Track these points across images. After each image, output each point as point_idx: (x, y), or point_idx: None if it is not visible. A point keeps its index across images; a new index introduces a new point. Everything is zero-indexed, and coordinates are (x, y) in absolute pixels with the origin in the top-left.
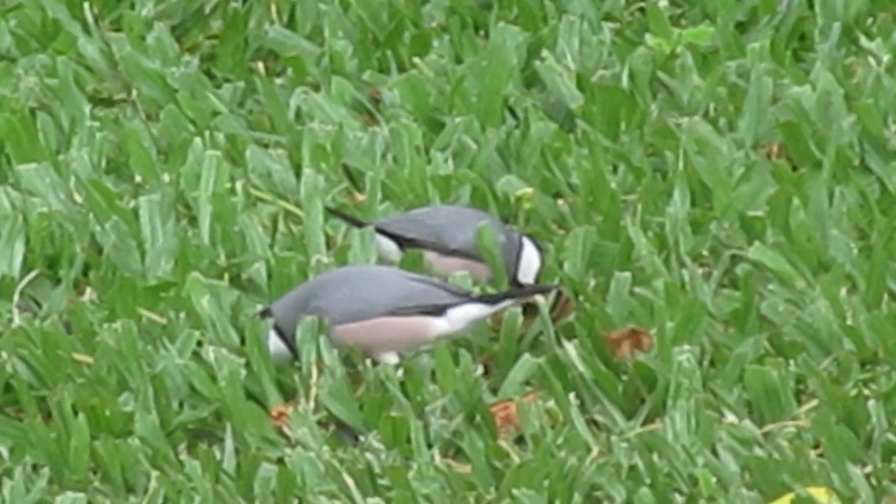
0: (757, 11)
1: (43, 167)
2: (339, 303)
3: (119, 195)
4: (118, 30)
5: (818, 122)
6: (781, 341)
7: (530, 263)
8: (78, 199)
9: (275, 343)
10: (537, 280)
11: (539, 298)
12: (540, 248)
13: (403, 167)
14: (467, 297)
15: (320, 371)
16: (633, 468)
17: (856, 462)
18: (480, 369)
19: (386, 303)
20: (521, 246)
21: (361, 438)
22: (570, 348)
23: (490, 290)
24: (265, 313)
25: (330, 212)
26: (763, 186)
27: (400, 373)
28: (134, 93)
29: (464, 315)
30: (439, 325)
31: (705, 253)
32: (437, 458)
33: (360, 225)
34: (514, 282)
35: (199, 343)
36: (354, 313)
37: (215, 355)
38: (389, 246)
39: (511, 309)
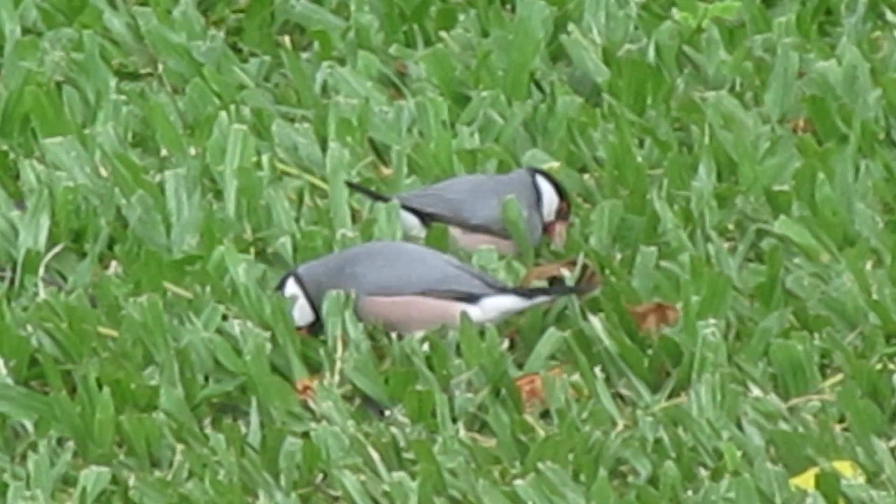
0: None
1: (69, 141)
2: (374, 273)
3: (145, 169)
4: (144, 4)
5: (844, 96)
6: (806, 315)
7: (550, 204)
8: (103, 172)
9: (301, 307)
10: (559, 214)
11: (564, 272)
12: (556, 184)
13: (429, 141)
14: (503, 289)
15: (345, 345)
16: (658, 442)
17: (880, 436)
18: (506, 343)
19: (420, 282)
20: (538, 192)
21: (386, 412)
22: (596, 322)
23: (515, 264)
24: (289, 276)
25: (350, 186)
26: (789, 160)
27: (425, 346)
28: (160, 67)
29: (497, 305)
30: (471, 313)
31: (731, 227)
32: (462, 432)
33: (380, 199)
34: (544, 228)
35: (225, 317)
36: (387, 286)
37: (240, 329)
38: (411, 220)
39: (536, 280)
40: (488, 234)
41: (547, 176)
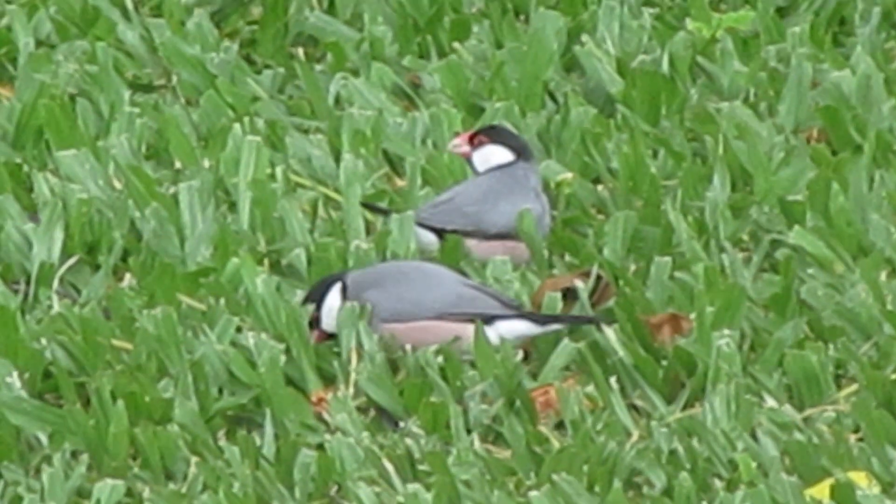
0: None
1: (82, 153)
2: (390, 300)
3: (158, 181)
4: (158, 15)
5: (858, 106)
6: (821, 326)
7: None
8: (117, 185)
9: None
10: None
11: (578, 283)
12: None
13: (443, 152)
14: (518, 312)
15: (360, 357)
16: (672, 453)
17: (895, 446)
18: (520, 354)
19: (435, 306)
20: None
21: (401, 424)
22: (610, 333)
23: (529, 275)
24: (336, 281)
25: (365, 206)
26: (803, 171)
27: (440, 358)
28: (174, 79)
29: (511, 329)
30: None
31: (745, 237)
32: (477, 444)
33: (390, 214)
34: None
35: (239, 329)
36: (402, 313)
37: (255, 341)
38: (429, 237)
39: (550, 291)
40: (506, 239)
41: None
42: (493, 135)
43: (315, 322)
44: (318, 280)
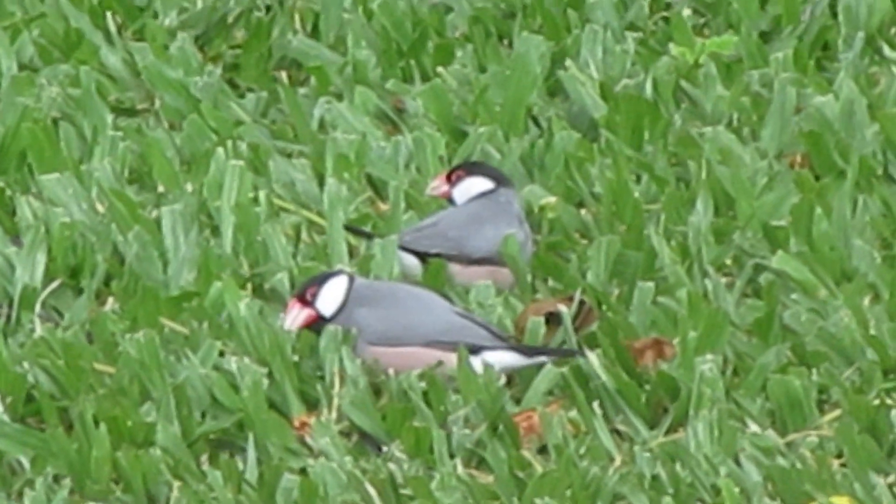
0: (780, 21)
1: (65, 177)
2: (379, 323)
3: (141, 205)
4: (141, 39)
5: (841, 131)
6: (804, 351)
7: None
8: (100, 208)
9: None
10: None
11: (562, 307)
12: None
13: (427, 177)
14: (505, 343)
15: (343, 381)
16: (655, 478)
17: (879, 472)
18: (503, 379)
19: (423, 333)
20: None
21: (384, 448)
22: (594, 358)
23: (513, 300)
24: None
25: (348, 230)
26: (786, 196)
27: (423, 383)
28: (157, 102)
29: (498, 360)
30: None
31: (728, 262)
32: (460, 468)
33: (373, 238)
34: None
35: (222, 353)
36: (389, 338)
37: (237, 365)
38: (411, 261)
39: (534, 316)
40: (489, 264)
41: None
42: (470, 168)
43: (311, 298)
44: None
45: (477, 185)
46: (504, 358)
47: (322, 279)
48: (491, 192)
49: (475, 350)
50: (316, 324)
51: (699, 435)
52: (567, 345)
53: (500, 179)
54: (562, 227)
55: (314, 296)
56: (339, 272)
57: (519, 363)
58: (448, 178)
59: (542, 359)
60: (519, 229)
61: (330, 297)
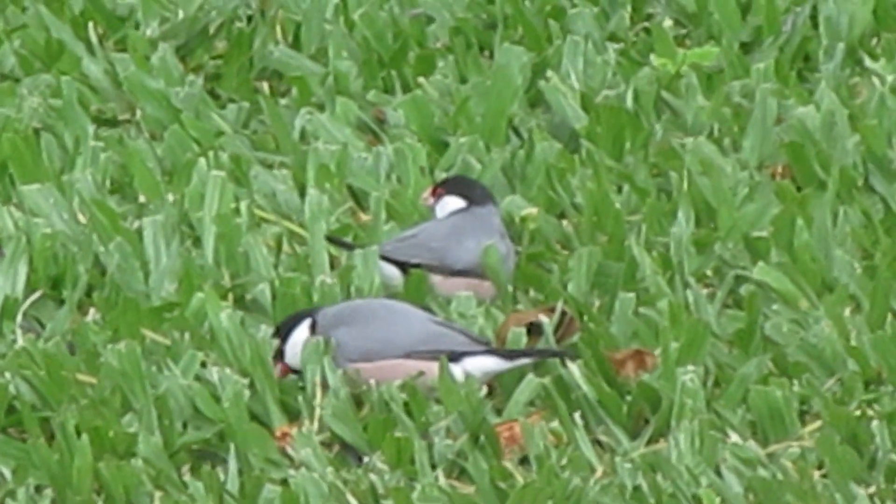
0: (761, 32)
1: (47, 187)
2: (358, 340)
3: (123, 215)
4: (122, 50)
5: (822, 142)
6: (785, 362)
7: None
8: (82, 219)
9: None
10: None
11: (543, 318)
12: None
13: (408, 187)
14: (485, 348)
15: (324, 392)
16: (636, 489)
17: (859, 483)
18: (485, 390)
19: (403, 345)
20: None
21: (365, 459)
22: (575, 369)
23: (493, 310)
24: (307, 317)
25: (329, 240)
26: (767, 207)
27: (404, 394)
28: (138, 113)
29: (479, 366)
30: (452, 372)
31: (709, 273)
32: (441, 479)
33: (354, 249)
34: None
35: (203, 364)
36: (369, 352)
37: (219, 376)
38: (392, 271)
39: (515, 327)
40: (470, 276)
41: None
42: (450, 186)
43: (279, 355)
44: (291, 314)
45: (452, 204)
46: (485, 363)
47: (287, 332)
48: (464, 209)
49: (456, 357)
50: (294, 373)
51: (680, 446)
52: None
53: (473, 199)
54: (543, 238)
55: (281, 353)
56: (303, 317)
57: (501, 367)
58: (434, 191)
59: (524, 361)
60: (500, 243)
61: (296, 350)
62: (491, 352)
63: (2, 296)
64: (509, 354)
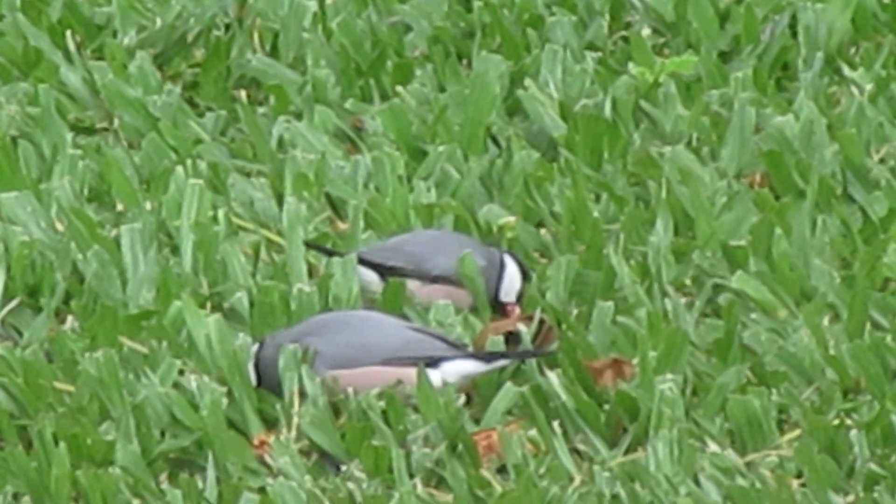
0: (740, 41)
1: (24, 195)
2: (334, 346)
3: (101, 224)
4: (100, 58)
5: (801, 151)
6: (764, 371)
7: (512, 283)
8: (59, 227)
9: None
10: (519, 298)
11: (521, 327)
12: (522, 266)
13: (386, 196)
14: (463, 352)
15: (302, 400)
16: (615, 497)
17: (838, 492)
18: (463, 398)
19: (380, 352)
20: (502, 266)
21: (343, 468)
22: (553, 377)
23: (472, 318)
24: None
25: (308, 246)
26: (746, 216)
27: (382, 402)
28: (116, 121)
29: (458, 370)
30: (431, 378)
31: (688, 282)
32: (419, 488)
33: (335, 255)
34: (496, 301)
35: (181, 372)
36: (347, 359)
37: (197, 384)
38: (370, 276)
39: (493, 335)
40: (448, 284)
41: (514, 256)
42: None
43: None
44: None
45: None
46: (464, 366)
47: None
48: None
49: (434, 362)
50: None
51: (659, 454)
52: (526, 365)
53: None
54: (521, 247)
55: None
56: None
57: (479, 370)
58: None
59: (503, 363)
60: (479, 257)
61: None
62: (469, 355)
63: None
64: (487, 357)
